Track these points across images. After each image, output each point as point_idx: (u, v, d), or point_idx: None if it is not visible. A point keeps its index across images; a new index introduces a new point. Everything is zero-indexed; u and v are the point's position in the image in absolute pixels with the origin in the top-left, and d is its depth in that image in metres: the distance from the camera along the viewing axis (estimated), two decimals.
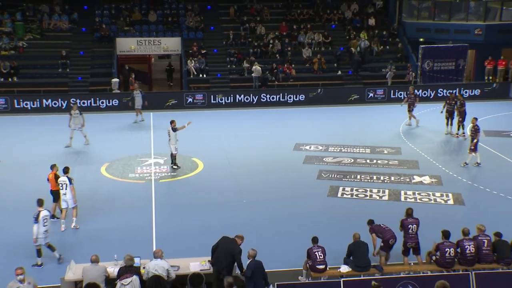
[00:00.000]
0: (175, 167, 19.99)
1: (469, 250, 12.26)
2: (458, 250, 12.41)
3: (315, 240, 12.39)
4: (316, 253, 12.14)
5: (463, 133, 23.68)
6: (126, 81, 32.80)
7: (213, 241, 11.82)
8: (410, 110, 25.71)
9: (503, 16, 34.01)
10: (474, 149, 19.83)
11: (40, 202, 13.19)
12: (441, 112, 24.35)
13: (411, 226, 12.72)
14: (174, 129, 19.69)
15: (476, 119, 20.15)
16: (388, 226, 12.87)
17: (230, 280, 10.29)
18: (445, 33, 34.55)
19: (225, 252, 11.35)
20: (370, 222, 13.13)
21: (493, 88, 31.42)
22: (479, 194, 17.63)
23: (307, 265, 12.28)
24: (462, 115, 23.53)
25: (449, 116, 24.02)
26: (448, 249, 12.27)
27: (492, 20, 33.90)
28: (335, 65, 33.62)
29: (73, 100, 28.44)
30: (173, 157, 20.01)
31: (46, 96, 28.99)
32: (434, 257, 12.55)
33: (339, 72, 33.04)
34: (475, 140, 19.72)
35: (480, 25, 33.41)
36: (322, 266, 12.11)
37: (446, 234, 12.44)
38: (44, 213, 13.08)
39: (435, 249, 12.51)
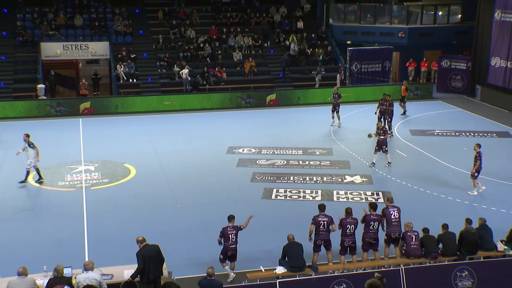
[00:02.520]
0: (40, 180, 18.91)
1: (414, 240, 12.79)
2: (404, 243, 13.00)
3: (230, 218, 12.67)
4: (230, 235, 12.46)
5: (391, 132, 24.44)
6: (53, 87, 31.82)
7: None
8: (337, 111, 26.03)
9: (424, 20, 35.43)
10: (378, 149, 20.37)
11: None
12: (375, 113, 25.00)
13: (349, 226, 12.92)
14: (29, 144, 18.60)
15: (381, 122, 20.74)
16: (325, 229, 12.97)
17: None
18: (371, 35, 35.62)
19: (156, 257, 11.21)
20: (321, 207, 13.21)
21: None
22: (408, 192, 18.21)
23: (222, 244, 12.56)
24: (390, 115, 24.27)
25: (382, 116, 24.61)
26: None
27: (414, 24, 35.25)
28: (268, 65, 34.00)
29: None
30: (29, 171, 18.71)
31: None
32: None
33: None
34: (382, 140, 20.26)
35: (403, 28, 34.66)
36: (233, 246, 12.51)
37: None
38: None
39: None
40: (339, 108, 26.08)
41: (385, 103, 24.40)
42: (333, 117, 26.34)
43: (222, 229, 12.56)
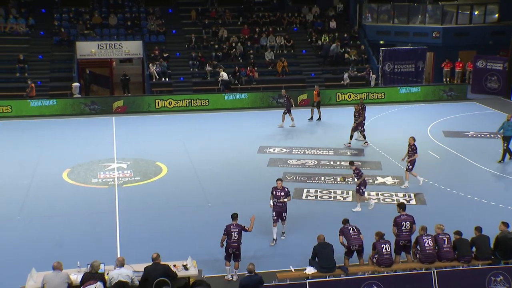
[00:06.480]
0: None
1: (428, 243, 12.47)
2: (418, 247, 12.67)
3: (234, 216, 12.81)
4: (233, 232, 12.61)
5: (366, 141, 23.32)
6: (87, 85, 32.33)
7: (178, 245, 11.75)
8: (287, 113, 25.57)
9: (459, 20, 34.88)
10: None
11: None
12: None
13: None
14: None
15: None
16: (356, 231, 12.79)
17: None
18: (405, 35, 35.21)
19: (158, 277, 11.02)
20: (344, 222, 13.05)
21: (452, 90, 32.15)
22: (440, 194, 17.93)
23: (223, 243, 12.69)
24: (360, 124, 22.97)
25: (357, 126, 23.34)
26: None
27: (449, 24, 34.72)
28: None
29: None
30: None
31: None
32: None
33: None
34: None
35: (438, 28, 34.17)
36: (235, 244, 12.61)
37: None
38: None
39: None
40: (288, 111, 25.59)
41: (356, 113, 22.95)
42: (283, 120, 25.86)
43: (226, 226, 12.75)
